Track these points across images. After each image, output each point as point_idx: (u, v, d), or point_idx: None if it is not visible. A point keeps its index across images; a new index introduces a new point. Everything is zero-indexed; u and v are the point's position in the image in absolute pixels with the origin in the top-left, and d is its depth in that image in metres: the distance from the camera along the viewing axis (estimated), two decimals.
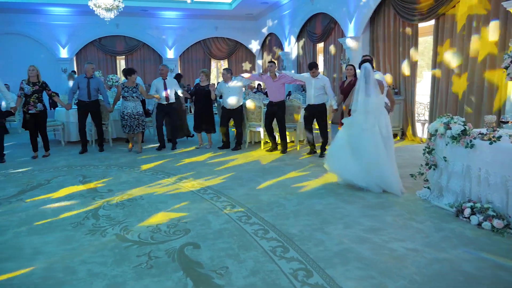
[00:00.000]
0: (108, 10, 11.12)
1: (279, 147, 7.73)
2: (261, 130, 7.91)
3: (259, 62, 18.08)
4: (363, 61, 5.19)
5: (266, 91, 12.36)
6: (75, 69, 15.61)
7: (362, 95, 5.02)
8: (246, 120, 8.04)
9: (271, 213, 4.31)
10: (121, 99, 7.70)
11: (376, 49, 9.62)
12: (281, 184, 5.49)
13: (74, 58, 15.97)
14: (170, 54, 16.89)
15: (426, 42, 12.83)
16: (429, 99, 8.12)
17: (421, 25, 8.25)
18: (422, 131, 8.78)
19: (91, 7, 11.08)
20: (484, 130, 4.18)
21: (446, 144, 4.38)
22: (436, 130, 4.51)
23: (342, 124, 5.44)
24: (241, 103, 7.87)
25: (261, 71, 17.09)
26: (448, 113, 5.04)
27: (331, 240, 3.60)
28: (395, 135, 7.77)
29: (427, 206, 4.47)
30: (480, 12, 6.49)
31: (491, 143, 3.87)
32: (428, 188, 4.74)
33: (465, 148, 4.11)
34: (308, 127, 7.29)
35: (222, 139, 8.14)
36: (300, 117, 7.75)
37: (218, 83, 9.57)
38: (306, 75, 7.43)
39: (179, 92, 8.20)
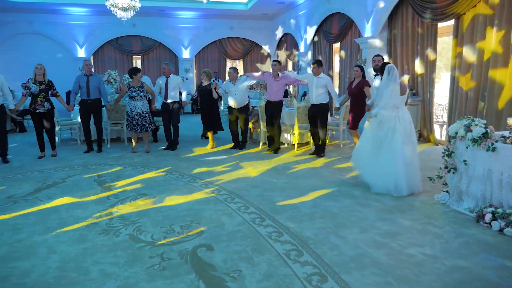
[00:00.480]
0: (124, 10, 11.18)
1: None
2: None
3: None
4: (385, 64, 5.21)
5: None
6: (92, 70, 15.81)
7: (388, 94, 4.97)
8: (261, 120, 8.01)
9: (285, 215, 4.25)
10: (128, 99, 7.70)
11: (393, 49, 9.45)
12: (295, 185, 5.43)
13: (91, 58, 16.14)
14: (185, 54, 16.94)
15: (444, 42, 12.59)
16: (447, 100, 7.94)
17: (439, 25, 8.08)
18: (440, 133, 8.59)
19: (108, 7, 11.16)
20: (506, 133, 4.06)
21: (467, 147, 4.25)
22: (456, 133, 4.39)
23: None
24: (247, 102, 7.93)
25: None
26: (469, 115, 4.90)
27: (346, 244, 3.52)
28: None
29: (446, 211, 4.35)
30: (502, 12, 6.30)
31: None
32: (447, 192, 4.61)
33: (486, 151, 3.99)
34: (312, 127, 7.28)
35: (233, 139, 8.18)
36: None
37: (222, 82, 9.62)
38: (308, 75, 7.46)
39: (184, 94, 8.19)
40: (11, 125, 11.26)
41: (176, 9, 15.60)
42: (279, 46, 17.32)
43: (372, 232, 3.79)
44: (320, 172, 6.13)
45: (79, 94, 7.91)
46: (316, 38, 13.49)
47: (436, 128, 8.57)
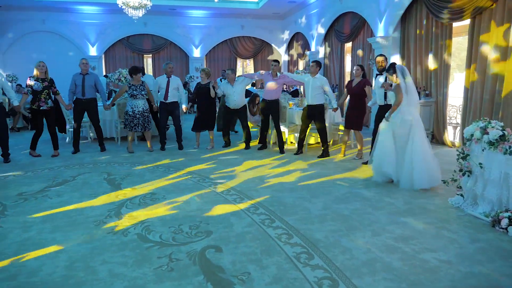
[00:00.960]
0: (136, 8, 11.22)
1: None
2: (286, 130, 7.84)
3: (285, 59, 17.89)
4: (393, 64, 5.35)
5: (292, 91, 12.30)
6: (103, 68, 15.98)
7: (414, 90, 5.27)
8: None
9: (296, 217, 4.19)
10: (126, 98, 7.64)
11: (407, 49, 9.31)
12: (305, 186, 5.36)
13: (103, 56, 16.24)
14: (196, 53, 16.94)
15: (457, 42, 12.38)
16: (461, 101, 7.78)
17: (454, 24, 7.92)
18: (453, 134, 8.44)
19: (120, 6, 11.20)
20: None
21: (483, 150, 4.15)
22: (472, 135, 4.28)
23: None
24: (245, 103, 7.97)
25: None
26: (485, 117, 4.77)
27: (358, 248, 3.44)
28: None
29: (460, 215, 4.25)
30: None
31: None
32: (461, 195, 4.50)
33: (503, 154, 3.88)
34: (304, 127, 7.25)
35: (224, 139, 8.20)
36: (326, 117, 7.63)
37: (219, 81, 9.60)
38: (304, 76, 7.47)
39: (183, 96, 8.15)
40: (22, 123, 11.37)
41: (188, 8, 15.60)
42: (290, 46, 17.23)
43: (384, 235, 3.70)
44: (330, 173, 6.05)
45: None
46: (327, 38, 13.38)
47: (450, 129, 8.41)
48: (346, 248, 3.43)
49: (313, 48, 14.18)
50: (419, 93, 7.06)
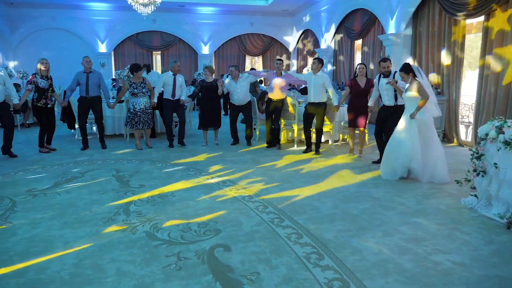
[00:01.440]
0: (145, 5, 11.21)
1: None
2: (295, 128, 7.79)
3: (294, 60, 17.80)
4: (408, 64, 5.51)
5: (301, 88, 12.21)
6: (112, 64, 16.05)
7: (431, 89, 5.52)
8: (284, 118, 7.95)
9: (305, 216, 4.13)
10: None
11: (418, 47, 9.17)
12: (315, 186, 5.29)
13: (112, 53, 16.29)
14: (205, 50, 16.91)
15: (469, 40, 12.15)
16: (474, 100, 7.65)
17: (467, 21, 7.78)
18: (466, 133, 8.31)
19: (129, 3, 11.21)
20: None
21: (498, 150, 4.05)
22: (487, 134, 4.19)
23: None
24: (249, 99, 7.98)
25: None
26: (500, 116, 4.66)
27: (368, 248, 3.38)
28: None
29: (473, 216, 4.16)
30: None
31: None
32: (475, 196, 4.41)
33: None
34: (307, 126, 7.22)
35: (233, 136, 8.17)
36: (335, 116, 7.58)
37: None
38: (307, 75, 7.45)
39: (183, 93, 8.10)
40: (33, 119, 11.42)
41: (197, 5, 15.57)
42: (299, 43, 17.11)
43: (396, 236, 3.63)
44: (338, 172, 5.98)
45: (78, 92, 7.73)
46: (337, 35, 13.26)
47: (462, 128, 8.28)
48: (357, 249, 3.37)
49: (322, 46, 14.07)
50: None
